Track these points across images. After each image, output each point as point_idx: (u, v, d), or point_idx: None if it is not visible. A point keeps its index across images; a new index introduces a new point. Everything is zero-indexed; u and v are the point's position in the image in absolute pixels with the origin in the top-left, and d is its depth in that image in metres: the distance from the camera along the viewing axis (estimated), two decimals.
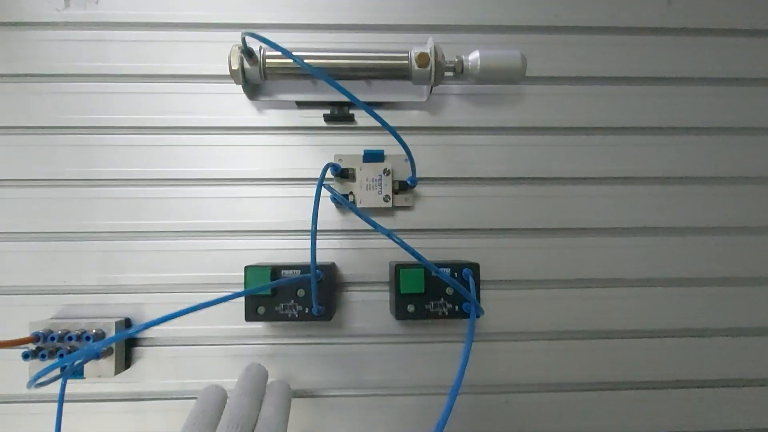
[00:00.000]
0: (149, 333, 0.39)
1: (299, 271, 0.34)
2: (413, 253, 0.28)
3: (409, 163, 0.37)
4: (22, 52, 0.40)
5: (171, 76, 0.40)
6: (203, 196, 0.40)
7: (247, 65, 0.36)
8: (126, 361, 0.38)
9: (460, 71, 0.37)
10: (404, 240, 0.28)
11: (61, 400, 0.33)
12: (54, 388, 0.33)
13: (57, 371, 0.35)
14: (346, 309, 0.39)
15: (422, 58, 0.35)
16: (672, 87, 0.42)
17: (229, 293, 0.27)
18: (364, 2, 0.41)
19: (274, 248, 0.39)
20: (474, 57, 0.37)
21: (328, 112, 0.39)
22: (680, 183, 0.41)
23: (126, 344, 0.38)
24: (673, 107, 0.42)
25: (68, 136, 0.40)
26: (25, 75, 0.40)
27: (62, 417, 0.33)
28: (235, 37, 0.40)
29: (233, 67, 0.36)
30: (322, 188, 0.31)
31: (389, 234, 0.28)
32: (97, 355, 0.35)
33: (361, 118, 0.40)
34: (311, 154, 0.40)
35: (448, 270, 0.34)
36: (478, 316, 0.32)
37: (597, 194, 0.41)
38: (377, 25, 0.41)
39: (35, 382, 0.26)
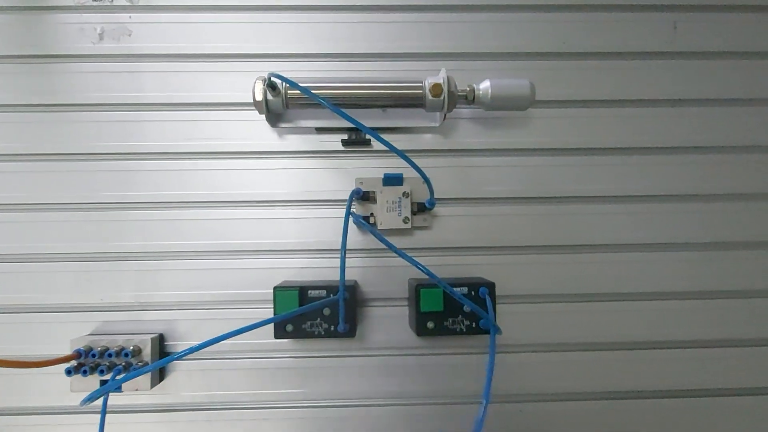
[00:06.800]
0: (182, 348, 0.41)
1: (325, 291, 0.36)
2: (439, 281, 0.30)
3: (426, 185, 0.39)
4: (60, 84, 0.42)
5: (199, 104, 0.43)
6: (230, 217, 0.42)
7: (270, 97, 0.38)
8: (160, 374, 0.40)
9: (471, 99, 0.39)
10: (423, 258, 0.31)
11: (104, 413, 0.35)
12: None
13: (97, 383, 0.37)
14: (367, 324, 0.41)
15: (436, 89, 0.37)
16: (678, 108, 0.44)
17: (262, 319, 0.29)
18: (379, 33, 0.43)
19: (298, 267, 0.42)
20: (485, 86, 0.38)
21: (345, 137, 0.42)
22: (684, 201, 0.43)
23: (160, 359, 0.40)
24: (679, 127, 0.44)
25: (104, 162, 0.42)
26: (63, 105, 0.42)
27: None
28: (260, 66, 0.43)
29: (257, 99, 0.38)
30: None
31: (418, 265, 0.30)
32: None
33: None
34: (331, 177, 0.42)
35: (465, 289, 0.36)
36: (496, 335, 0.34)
37: (603, 212, 0.43)
38: (392, 54, 0.43)
39: (88, 401, 0.28)
